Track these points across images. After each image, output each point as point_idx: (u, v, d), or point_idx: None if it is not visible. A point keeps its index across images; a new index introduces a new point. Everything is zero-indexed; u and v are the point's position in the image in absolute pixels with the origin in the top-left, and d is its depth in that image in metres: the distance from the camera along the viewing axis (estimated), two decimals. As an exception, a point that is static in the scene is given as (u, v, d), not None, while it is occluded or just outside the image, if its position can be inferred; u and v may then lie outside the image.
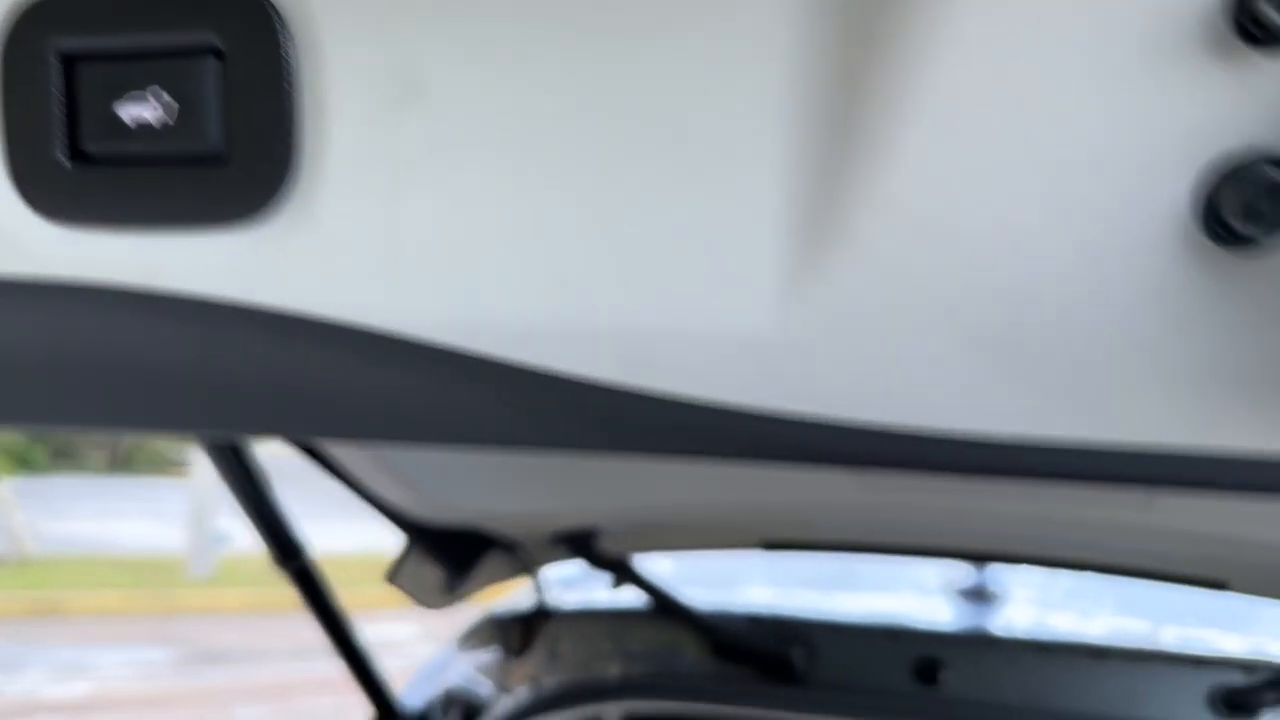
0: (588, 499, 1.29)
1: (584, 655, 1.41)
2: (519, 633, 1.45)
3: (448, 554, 1.40)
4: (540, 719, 1.34)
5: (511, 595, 1.56)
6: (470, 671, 1.46)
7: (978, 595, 1.49)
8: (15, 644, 7.24)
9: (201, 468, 9.10)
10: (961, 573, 1.52)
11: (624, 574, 1.41)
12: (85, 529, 12.56)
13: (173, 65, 0.48)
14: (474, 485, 1.27)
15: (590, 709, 1.34)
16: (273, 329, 0.50)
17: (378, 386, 0.53)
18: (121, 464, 24.21)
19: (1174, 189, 0.41)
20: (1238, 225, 0.39)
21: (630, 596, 1.44)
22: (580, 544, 1.38)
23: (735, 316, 0.48)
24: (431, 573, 1.39)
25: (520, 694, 1.40)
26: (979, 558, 1.44)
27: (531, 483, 1.25)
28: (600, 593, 1.50)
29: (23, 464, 18.55)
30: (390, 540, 1.43)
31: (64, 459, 22.52)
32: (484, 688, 1.44)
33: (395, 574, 1.40)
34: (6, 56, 0.49)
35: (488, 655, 1.47)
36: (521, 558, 1.45)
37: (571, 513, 1.33)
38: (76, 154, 0.48)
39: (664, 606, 1.38)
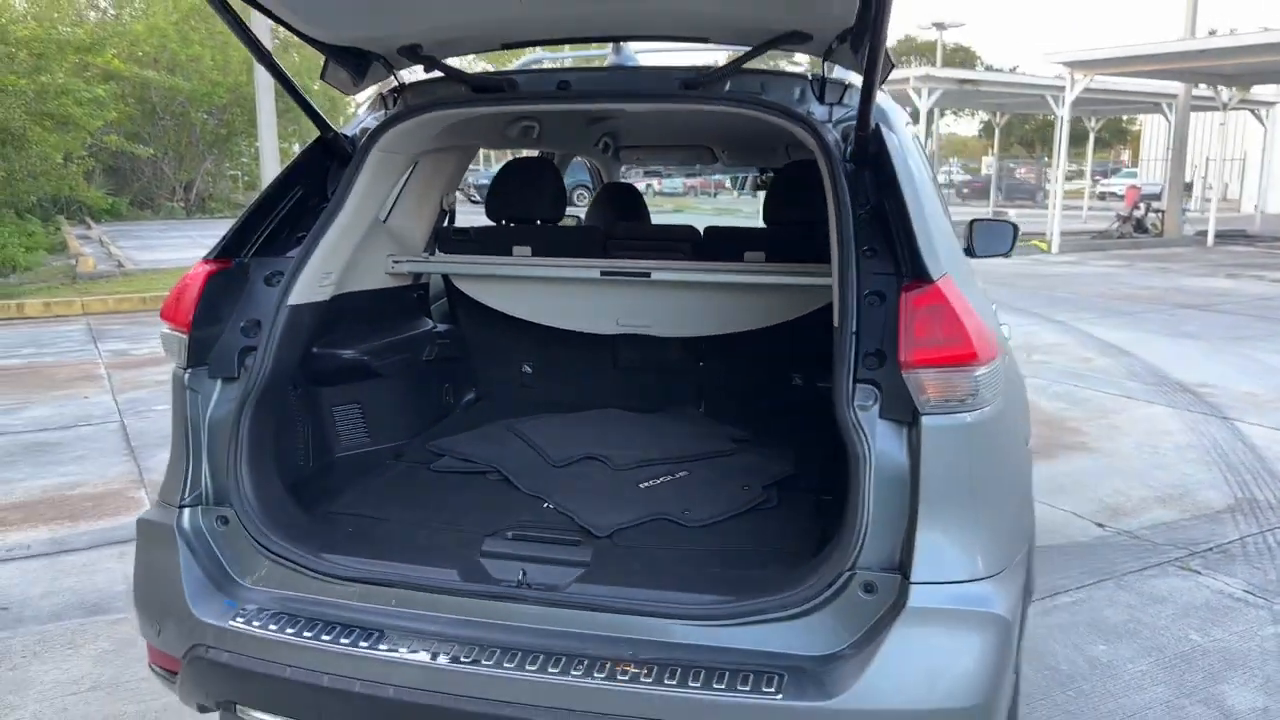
0: (411, 24, 2.26)
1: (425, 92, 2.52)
2: (392, 96, 2.53)
3: (347, 62, 2.40)
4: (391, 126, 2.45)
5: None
6: (371, 120, 2.54)
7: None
8: (136, 325, 9.94)
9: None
10: None
11: (438, 66, 2.43)
12: (172, 255, 15.59)
13: None
14: (349, 16, 2.24)
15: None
16: None
17: None
18: (195, 209, 27.94)
19: None
20: None
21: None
22: (412, 53, 2.37)
23: None
24: (341, 72, 2.42)
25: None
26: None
27: (378, 14, 2.21)
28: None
29: (110, 213, 22.20)
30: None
31: (144, 208, 26.47)
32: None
33: (323, 74, 2.42)
34: None
35: (378, 109, 2.58)
36: (386, 63, 2.45)
37: (403, 34, 2.31)
38: None
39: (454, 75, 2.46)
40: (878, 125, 2.05)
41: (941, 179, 55.94)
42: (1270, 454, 5.52)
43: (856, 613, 1.77)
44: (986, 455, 1.84)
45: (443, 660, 1.82)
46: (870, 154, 2.04)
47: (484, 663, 1.80)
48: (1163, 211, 22.01)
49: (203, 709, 2.08)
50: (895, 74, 22.84)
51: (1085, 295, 12.33)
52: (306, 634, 1.90)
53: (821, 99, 2.27)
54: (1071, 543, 4.25)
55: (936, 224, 2.02)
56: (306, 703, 1.90)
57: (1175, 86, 21.03)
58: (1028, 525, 2.13)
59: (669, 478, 2.59)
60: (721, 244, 3.27)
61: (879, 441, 1.78)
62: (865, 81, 1.95)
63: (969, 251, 4.19)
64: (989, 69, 53.06)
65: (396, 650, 1.85)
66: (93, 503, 4.67)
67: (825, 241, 2.90)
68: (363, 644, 1.86)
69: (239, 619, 1.96)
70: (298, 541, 2.08)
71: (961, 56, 57.04)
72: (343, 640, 1.88)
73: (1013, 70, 37.90)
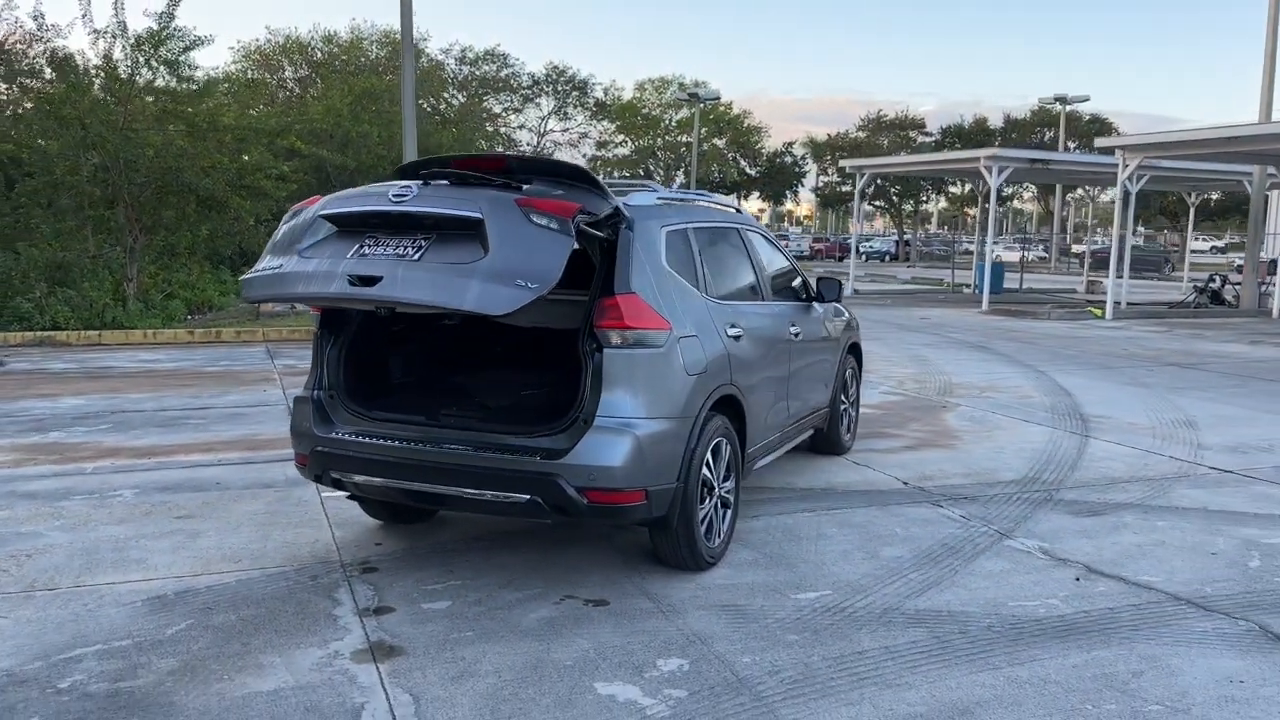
0: None
1: None
2: None
3: None
4: None
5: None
6: None
7: None
8: (304, 349, 12.63)
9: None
10: None
11: None
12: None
13: None
14: None
15: None
16: None
17: None
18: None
19: None
20: None
21: None
22: None
23: None
24: None
25: None
26: None
27: None
28: None
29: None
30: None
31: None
32: None
33: None
34: None
35: None
36: None
37: None
38: None
39: None
40: (618, 231, 4.43)
41: (1081, 248, 57.05)
42: (1090, 457, 7.46)
43: (578, 430, 4.17)
44: (640, 368, 4.21)
45: (418, 446, 4.32)
46: (613, 244, 4.43)
47: (433, 447, 4.30)
48: (1239, 284, 22.93)
49: (316, 479, 4.64)
50: (966, 153, 24.71)
51: (1089, 353, 14.02)
52: (362, 439, 4.44)
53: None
54: (876, 490, 6.41)
55: (639, 272, 4.38)
56: (360, 463, 4.43)
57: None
58: (681, 406, 4.42)
59: (534, 390, 5.07)
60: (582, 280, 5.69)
61: (592, 359, 4.18)
62: (610, 223, 4.35)
63: (819, 297, 6.55)
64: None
65: (399, 443, 4.37)
66: (267, 443, 7.42)
67: None
68: (384, 440, 4.39)
69: (334, 433, 4.53)
70: (362, 405, 4.63)
71: (1097, 128, 57.55)
72: (378, 440, 4.41)
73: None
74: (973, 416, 9.03)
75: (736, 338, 5.06)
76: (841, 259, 61.38)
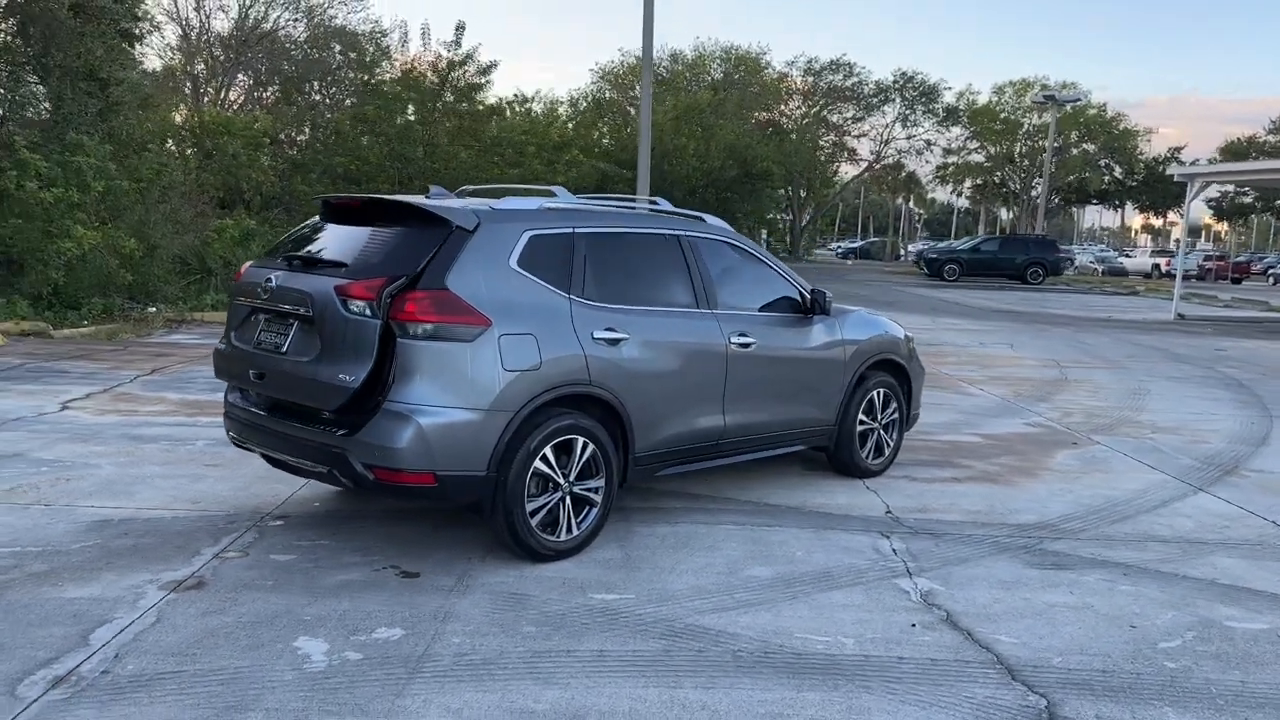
0: None
1: None
2: None
3: None
4: None
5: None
6: None
7: None
8: None
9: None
10: None
11: None
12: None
13: None
14: None
15: None
16: None
17: None
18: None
19: None
20: None
21: None
22: None
23: None
24: None
25: None
26: None
27: None
28: None
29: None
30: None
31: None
32: None
33: None
34: None
35: None
36: None
37: None
38: None
39: None
40: (459, 237, 4.76)
41: None
42: (1166, 511, 6.43)
43: (374, 410, 4.60)
44: (439, 359, 4.52)
45: (273, 415, 4.99)
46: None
47: (281, 417, 4.95)
48: None
49: (227, 432, 5.48)
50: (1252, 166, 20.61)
51: (1378, 400, 11.54)
52: (246, 405, 5.21)
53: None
54: (842, 515, 6.06)
55: (463, 270, 4.67)
56: (241, 425, 5.20)
57: None
58: (490, 400, 4.62)
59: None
60: None
61: (395, 347, 4.58)
62: (443, 239, 4.73)
63: (815, 306, 6.38)
64: None
65: (263, 411, 5.07)
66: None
67: None
68: (256, 409, 5.12)
69: (234, 398, 5.33)
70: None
71: None
72: (252, 408, 5.15)
73: None
74: (1092, 457, 8.02)
75: (613, 342, 5.14)
76: (1238, 280, 53.78)
